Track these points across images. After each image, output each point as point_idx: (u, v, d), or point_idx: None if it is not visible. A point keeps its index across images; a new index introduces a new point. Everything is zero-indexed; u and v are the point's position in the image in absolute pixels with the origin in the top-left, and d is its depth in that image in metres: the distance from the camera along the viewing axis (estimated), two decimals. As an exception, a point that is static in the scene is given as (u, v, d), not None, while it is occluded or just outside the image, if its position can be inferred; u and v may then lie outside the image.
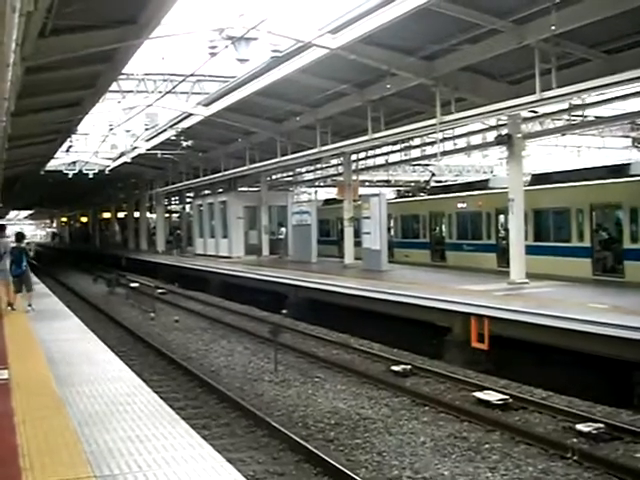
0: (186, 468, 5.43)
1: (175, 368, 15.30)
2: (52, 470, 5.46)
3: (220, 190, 41.63)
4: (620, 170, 21.25)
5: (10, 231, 31.09)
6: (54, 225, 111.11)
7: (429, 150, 32.24)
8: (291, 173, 42.71)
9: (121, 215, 63.74)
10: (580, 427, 10.01)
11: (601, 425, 10.01)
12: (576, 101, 19.86)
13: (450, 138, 26.81)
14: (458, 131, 26.23)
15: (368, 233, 25.24)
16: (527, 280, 18.70)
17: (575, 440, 9.79)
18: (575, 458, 9.15)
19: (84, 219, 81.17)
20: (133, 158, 36.36)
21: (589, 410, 11.11)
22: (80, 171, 41.21)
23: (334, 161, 35.01)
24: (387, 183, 48.22)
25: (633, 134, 42.19)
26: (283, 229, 35.74)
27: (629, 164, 22.27)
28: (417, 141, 29.70)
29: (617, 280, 19.35)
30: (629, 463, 8.93)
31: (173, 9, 11.38)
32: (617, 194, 20.18)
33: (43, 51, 12.00)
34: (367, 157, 34.35)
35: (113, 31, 12.43)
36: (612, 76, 14.23)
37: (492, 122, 24.11)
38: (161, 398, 8.02)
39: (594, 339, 12.37)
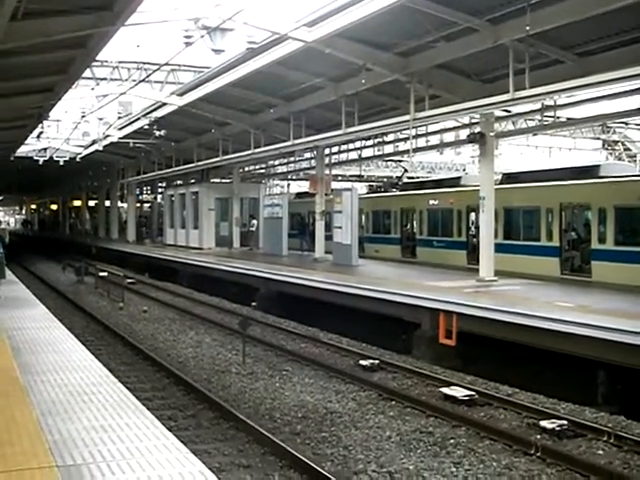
0: (150, 459, 5.39)
1: (142, 358, 15.23)
2: (13, 460, 5.39)
3: (192, 181, 41.42)
4: (590, 171, 21.48)
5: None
6: (23, 212, 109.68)
7: (402, 146, 32.38)
8: (264, 165, 42.62)
9: (92, 203, 63.13)
10: (544, 424, 10.13)
11: (565, 422, 10.14)
12: (548, 102, 20.04)
13: (423, 135, 26.93)
14: (431, 128, 26.33)
15: (339, 227, 25.26)
16: (496, 278, 18.84)
17: (539, 436, 9.91)
18: (538, 454, 9.26)
19: (54, 207, 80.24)
20: (105, 146, 36.01)
21: (553, 407, 11.26)
22: (51, 158, 40.81)
23: (307, 154, 34.98)
24: (360, 178, 48.30)
25: (603, 136, 42.75)
26: (254, 221, 35.66)
27: (599, 166, 22.52)
28: (390, 137, 29.76)
29: (584, 279, 19.58)
30: (591, 460, 9.06)
31: (148, -3, 11.28)
32: (586, 195, 20.40)
33: (15, 35, 11.81)
34: (340, 151, 34.37)
35: (87, 17, 12.24)
36: (584, 78, 14.38)
37: (465, 120, 24.25)
38: (127, 388, 7.96)
39: (559, 337, 12.52)
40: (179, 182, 44.88)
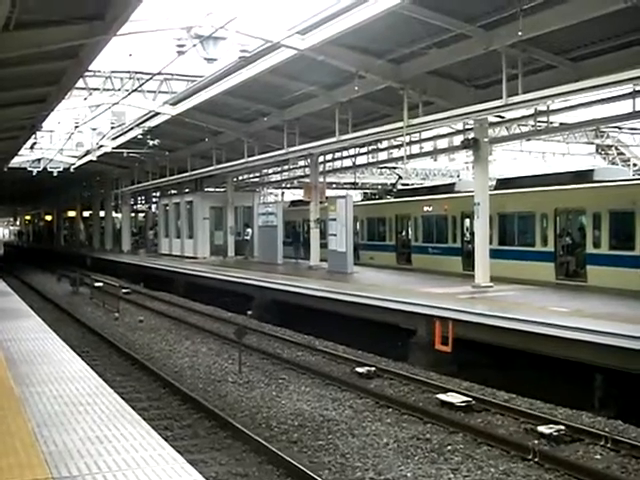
0: (147, 470, 5.35)
1: (138, 368, 15.16)
2: (8, 472, 5.34)
3: (186, 190, 41.39)
4: (584, 176, 21.50)
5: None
6: (17, 223, 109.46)
7: (396, 153, 32.38)
8: (258, 174, 42.60)
9: (86, 214, 63.04)
10: (541, 429, 10.11)
11: (562, 427, 10.12)
12: (542, 107, 20.08)
13: (417, 141, 26.93)
14: (425, 134, 26.31)
15: (334, 235, 25.24)
16: (491, 283, 18.84)
17: (536, 442, 9.87)
18: (536, 459, 9.23)
19: (48, 218, 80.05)
20: (99, 156, 35.99)
21: (550, 412, 11.23)
22: (45, 169, 40.74)
23: (301, 162, 34.99)
24: (354, 185, 48.30)
25: (597, 141, 42.86)
26: (249, 230, 35.64)
27: (593, 170, 22.55)
28: (384, 144, 29.78)
29: (580, 284, 19.56)
30: (589, 464, 9.04)
31: (141, 6, 11.26)
32: (581, 200, 20.42)
33: (7, 45, 11.82)
34: (334, 159, 34.36)
35: (80, 27, 12.24)
36: (577, 83, 14.43)
37: (459, 126, 24.26)
38: (123, 399, 7.91)
39: (555, 342, 12.50)
40: (173, 191, 44.85)
